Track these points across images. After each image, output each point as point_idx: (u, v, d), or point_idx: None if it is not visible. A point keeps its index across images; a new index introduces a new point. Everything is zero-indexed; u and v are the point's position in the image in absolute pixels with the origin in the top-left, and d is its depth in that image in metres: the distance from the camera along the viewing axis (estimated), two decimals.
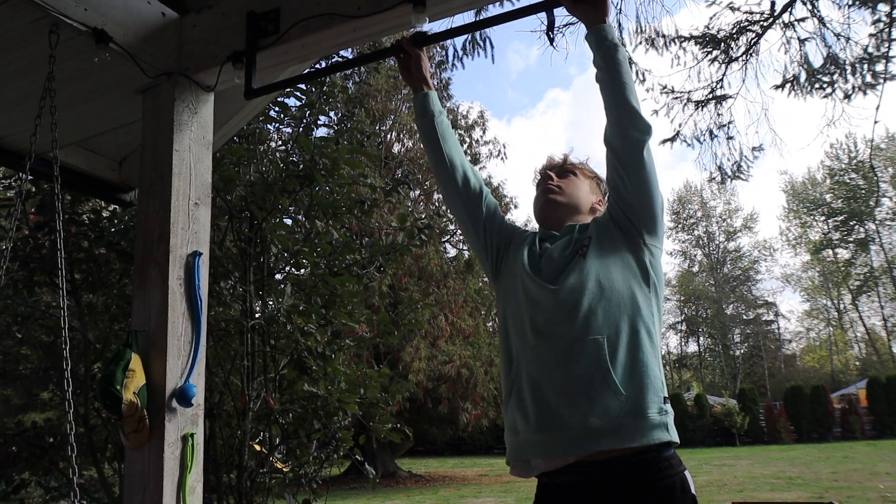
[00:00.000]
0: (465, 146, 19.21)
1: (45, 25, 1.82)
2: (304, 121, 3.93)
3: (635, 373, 1.38)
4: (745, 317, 41.97)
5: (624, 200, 1.51)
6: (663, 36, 6.58)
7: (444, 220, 16.44)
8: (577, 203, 1.68)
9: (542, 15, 1.67)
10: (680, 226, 44.66)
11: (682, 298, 44.34)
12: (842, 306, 40.57)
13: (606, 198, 1.65)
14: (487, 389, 15.53)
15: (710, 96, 6.83)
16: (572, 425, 1.37)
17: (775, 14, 6.17)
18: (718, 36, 6.50)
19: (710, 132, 7.06)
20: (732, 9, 6.28)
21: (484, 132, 19.87)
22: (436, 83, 18.94)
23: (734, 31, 6.44)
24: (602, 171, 1.65)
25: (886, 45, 5.88)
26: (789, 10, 6.09)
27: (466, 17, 4.68)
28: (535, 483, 1.50)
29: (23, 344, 3.99)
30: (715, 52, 6.56)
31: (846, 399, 21.77)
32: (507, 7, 2.76)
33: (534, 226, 1.80)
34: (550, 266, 1.52)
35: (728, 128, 7.01)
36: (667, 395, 1.43)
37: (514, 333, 1.53)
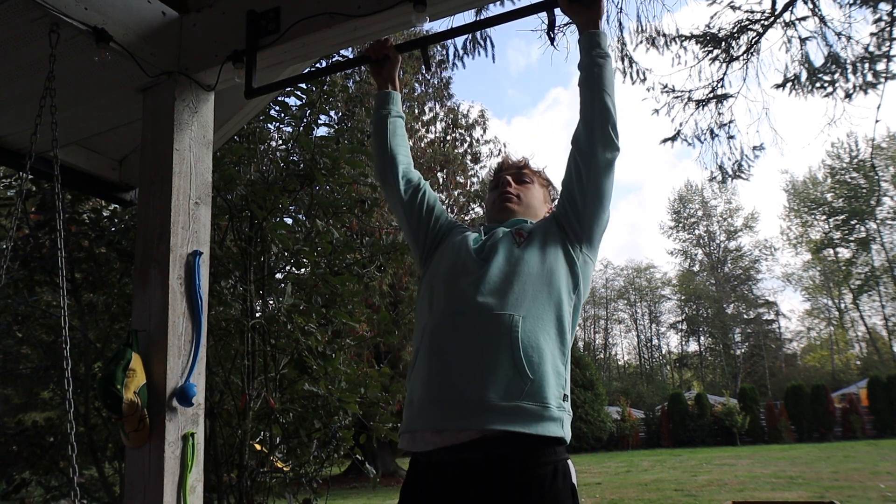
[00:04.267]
0: (466, 145, 19.22)
1: (46, 25, 1.82)
2: (305, 120, 3.93)
3: (543, 362, 1.36)
4: (745, 316, 41.96)
5: (575, 205, 1.53)
6: (664, 35, 6.58)
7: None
8: (530, 211, 1.71)
9: (543, 14, 1.67)
10: (680, 225, 44.69)
11: (683, 298, 44.37)
12: (843, 305, 40.56)
13: (554, 203, 1.68)
14: None
15: (711, 95, 6.83)
16: (469, 398, 1.34)
17: (776, 13, 6.16)
18: (719, 35, 6.50)
19: (711, 131, 7.06)
20: (733, 8, 6.28)
21: (484, 131, 19.89)
22: (436, 83, 18.95)
23: (735, 30, 6.44)
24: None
25: (887, 44, 5.88)
26: (790, 8, 6.09)
27: (467, 17, 4.68)
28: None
29: (23, 343, 4.00)
30: (716, 51, 6.56)
31: (847, 398, 21.74)
32: (508, 7, 2.76)
33: None
34: (488, 247, 1.54)
35: (729, 127, 7.01)
36: (568, 395, 1.42)
37: (432, 303, 1.52)
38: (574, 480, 1.37)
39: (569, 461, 1.38)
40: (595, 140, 1.51)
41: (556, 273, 1.48)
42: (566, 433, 1.38)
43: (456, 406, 1.35)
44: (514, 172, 1.76)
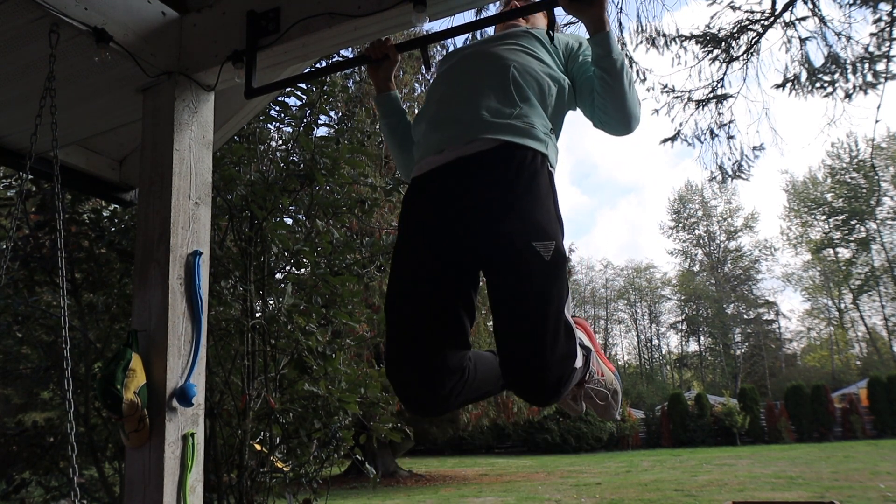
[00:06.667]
0: None
1: (46, 25, 1.82)
2: (305, 120, 3.93)
3: (531, 99, 1.53)
4: (745, 316, 41.97)
5: (593, 106, 1.64)
6: (664, 35, 6.58)
7: None
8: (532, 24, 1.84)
9: None
10: (680, 225, 44.70)
11: (683, 298, 44.36)
12: (843, 306, 40.56)
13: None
14: None
15: (711, 95, 6.83)
16: (463, 118, 1.51)
17: (776, 13, 6.17)
18: (719, 35, 6.50)
19: (711, 131, 7.06)
20: (733, 8, 6.28)
21: None
22: None
23: (735, 31, 6.44)
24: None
25: (887, 44, 5.88)
26: (790, 9, 6.10)
27: (467, 17, 4.68)
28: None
29: (23, 343, 4.00)
30: (716, 52, 6.57)
31: (847, 398, 21.74)
32: None
33: None
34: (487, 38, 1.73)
35: (729, 127, 7.02)
36: (555, 134, 1.57)
37: (436, 82, 1.70)
38: (552, 168, 1.53)
39: (553, 170, 1.54)
40: (622, 126, 1.62)
41: (543, 63, 1.61)
42: (551, 155, 1.53)
43: (452, 125, 1.53)
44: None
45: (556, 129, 1.62)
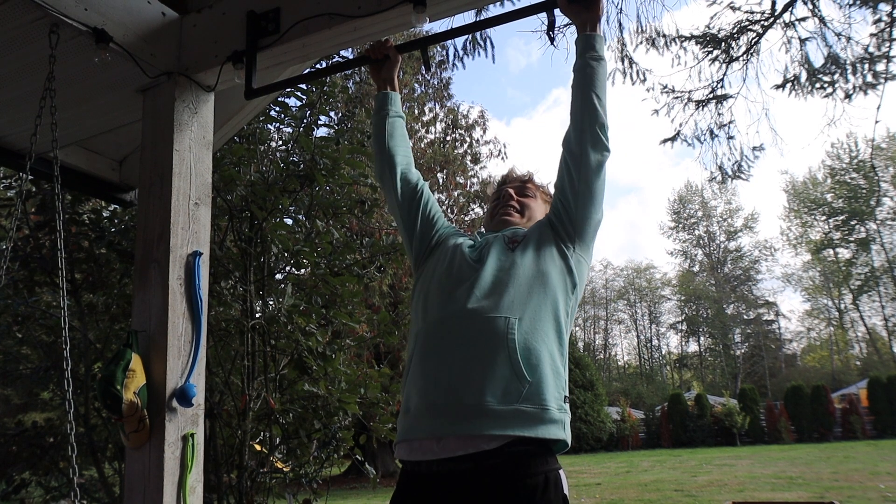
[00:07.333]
0: (466, 146, 19.21)
1: (46, 25, 1.82)
2: (305, 121, 3.93)
3: (541, 364, 1.34)
4: (745, 316, 41.97)
5: (567, 206, 1.53)
6: (664, 35, 6.58)
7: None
8: (530, 224, 1.69)
9: (543, 15, 1.67)
10: (680, 225, 44.70)
11: (683, 298, 44.37)
12: (843, 306, 40.56)
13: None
14: None
15: (711, 96, 6.82)
16: (466, 403, 1.32)
17: (776, 13, 6.16)
18: (719, 35, 6.50)
19: (711, 132, 7.06)
20: (733, 8, 6.28)
21: (484, 132, 19.89)
22: (436, 83, 18.95)
23: (735, 31, 6.44)
24: None
25: (887, 44, 5.88)
26: (790, 9, 6.09)
27: (467, 18, 4.68)
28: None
29: (23, 344, 4.00)
30: (715, 52, 6.56)
31: (847, 399, 21.73)
32: (508, 7, 2.76)
33: None
34: (482, 252, 1.54)
35: (728, 127, 7.01)
36: (568, 397, 1.40)
37: (426, 309, 1.50)
38: (566, 491, 1.35)
39: (560, 471, 1.36)
40: (585, 141, 1.50)
41: (550, 274, 1.47)
42: (567, 435, 1.36)
43: (453, 412, 1.33)
44: (518, 186, 1.76)
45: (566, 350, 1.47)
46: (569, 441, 1.37)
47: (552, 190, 1.76)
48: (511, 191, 1.74)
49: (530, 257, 1.49)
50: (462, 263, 1.52)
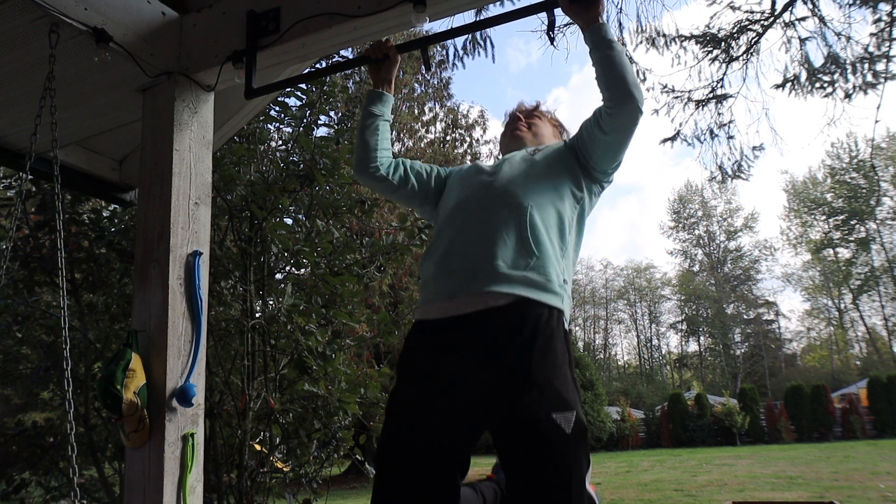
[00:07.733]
0: (466, 146, 19.22)
1: (45, 25, 1.82)
2: (305, 120, 3.93)
3: (547, 245, 1.48)
4: (745, 316, 41.95)
5: (598, 148, 1.59)
6: (664, 35, 6.58)
7: None
8: (540, 140, 1.82)
9: (543, 15, 1.67)
10: (680, 225, 44.67)
11: (683, 298, 44.34)
12: (843, 306, 40.54)
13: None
14: None
15: (711, 95, 6.82)
16: (479, 266, 1.45)
17: (776, 13, 6.16)
18: (719, 35, 6.50)
19: (711, 131, 7.06)
20: (733, 8, 6.28)
21: (484, 132, 19.92)
22: (436, 83, 18.95)
23: (735, 31, 6.44)
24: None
25: (887, 44, 5.88)
26: (790, 9, 6.09)
27: (467, 17, 4.68)
28: None
29: (23, 343, 4.00)
30: (715, 52, 6.56)
31: (847, 399, 21.72)
32: (508, 7, 2.76)
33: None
34: (499, 165, 1.66)
35: (728, 127, 7.01)
36: (568, 282, 1.52)
37: (448, 214, 1.62)
38: (567, 326, 1.47)
39: (565, 319, 1.47)
40: (626, 96, 1.50)
41: (562, 183, 1.58)
42: (567, 309, 1.48)
43: (466, 273, 1.46)
44: (526, 111, 1.89)
45: (572, 265, 1.58)
46: (567, 314, 1.48)
47: (560, 119, 1.92)
48: (520, 114, 1.87)
49: (546, 162, 1.61)
50: (480, 171, 1.66)
